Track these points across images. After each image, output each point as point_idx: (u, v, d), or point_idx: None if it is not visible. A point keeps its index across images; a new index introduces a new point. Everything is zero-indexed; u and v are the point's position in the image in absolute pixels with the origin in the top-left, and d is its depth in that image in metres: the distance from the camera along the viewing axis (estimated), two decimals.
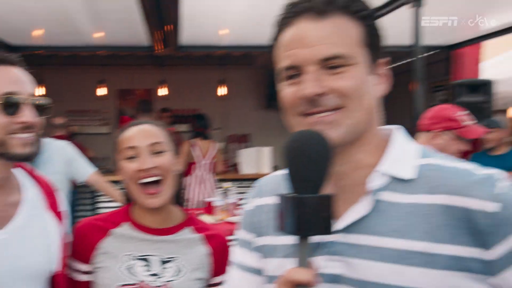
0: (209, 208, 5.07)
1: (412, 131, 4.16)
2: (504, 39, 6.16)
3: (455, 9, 4.81)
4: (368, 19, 1.06)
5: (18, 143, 1.47)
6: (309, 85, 1.01)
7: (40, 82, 8.47)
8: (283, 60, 1.07)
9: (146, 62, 8.54)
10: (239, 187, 6.90)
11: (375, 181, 1.05)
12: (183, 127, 8.36)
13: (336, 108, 1.03)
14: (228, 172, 7.72)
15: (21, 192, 1.57)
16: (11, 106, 1.47)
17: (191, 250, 1.78)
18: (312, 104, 1.03)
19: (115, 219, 1.80)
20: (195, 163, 6.44)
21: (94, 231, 1.76)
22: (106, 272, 1.70)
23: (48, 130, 5.73)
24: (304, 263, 0.93)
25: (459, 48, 6.47)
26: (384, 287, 1.01)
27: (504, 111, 6.16)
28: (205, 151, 6.48)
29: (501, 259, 0.97)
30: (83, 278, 1.73)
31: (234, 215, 4.82)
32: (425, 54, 7.05)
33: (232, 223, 4.53)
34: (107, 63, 8.48)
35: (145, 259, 1.73)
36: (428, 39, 6.14)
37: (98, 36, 5.99)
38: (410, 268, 0.99)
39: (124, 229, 1.77)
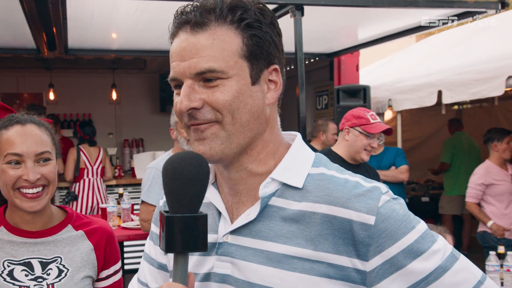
0: (103, 214, 5.02)
1: (303, 134, 4.43)
2: (377, 48, 6.71)
3: (333, 19, 5.15)
4: (251, 28, 1.04)
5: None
6: (183, 99, 1.02)
7: None
8: (171, 71, 1.08)
9: (33, 65, 8.16)
10: (133, 192, 6.89)
11: (266, 187, 1.08)
12: (70, 133, 8.12)
13: (212, 121, 1.04)
14: (123, 177, 7.64)
15: None
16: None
17: (73, 248, 1.74)
18: (191, 116, 1.04)
19: None
20: (85, 169, 6.46)
21: None
22: None
23: None
24: (179, 278, 0.95)
25: (340, 55, 6.93)
26: None
27: (379, 114, 6.69)
28: (93, 157, 6.54)
29: (376, 271, 1.00)
30: None
31: (130, 220, 4.83)
32: (311, 60, 7.52)
33: (127, 229, 4.55)
34: None
35: (25, 263, 1.67)
36: (312, 47, 6.57)
37: None
38: (291, 273, 1.02)
39: (1, 234, 1.70)
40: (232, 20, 1.03)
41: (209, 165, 1.00)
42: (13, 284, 1.64)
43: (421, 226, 1.04)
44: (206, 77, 1.03)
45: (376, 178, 3.71)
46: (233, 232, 1.10)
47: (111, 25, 5.20)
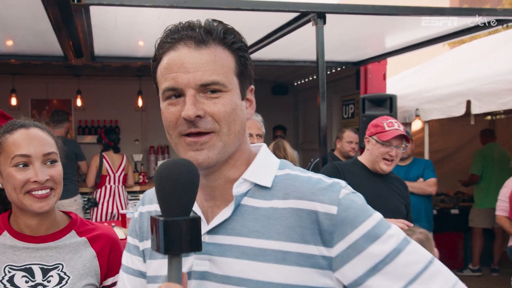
0: (122, 220, 5.03)
1: (323, 143, 4.36)
2: (408, 57, 6.57)
3: (359, 27, 5.07)
4: (240, 51, 1.18)
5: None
6: (191, 107, 1.11)
7: None
8: (164, 82, 1.16)
9: (62, 72, 8.30)
10: None
11: (239, 187, 1.18)
12: (93, 139, 8.24)
13: (210, 131, 1.14)
14: (148, 184, 7.67)
15: None
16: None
17: (75, 255, 1.72)
18: (191, 124, 1.12)
19: None
20: (107, 176, 6.51)
21: None
22: None
23: None
24: (175, 279, 1.02)
25: (366, 64, 6.81)
26: (243, 281, 1.13)
27: (406, 124, 6.55)
28: (116, 165, 6.58)
29: (340, 256, 1.11)
30: None
31: None
32: (333, 70, 7.43)
33: None
34: (19, 72, 8.19)
35: (25, 269, 1.65)
36: (338, 55, 6.48)
37: (8, 44, 5.80)
38: (265, 264, 1.12)
39: (4, 239, 1.69)
40: (226, 42, 1.17)
41: None
42: None
43: (377, 215, 1.15)
44: (210, 89, 1.13)
45: (405, 190, 3.58)
46: (209, 232, 1.19)
47: (135, 33, 5.24)
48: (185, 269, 1.17)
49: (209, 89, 1.13)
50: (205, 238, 1.18)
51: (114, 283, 1.77)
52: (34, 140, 1.67)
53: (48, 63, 7.08)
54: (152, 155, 8.97)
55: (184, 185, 1.01)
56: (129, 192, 6.98)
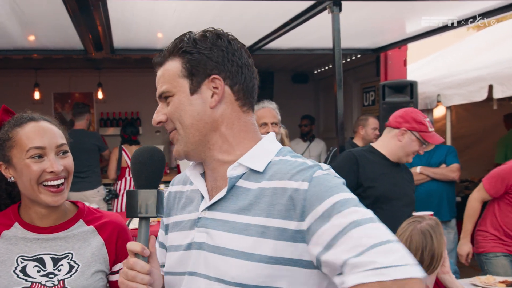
0: None
1: (341, 132, 4.35)
2: (430, 42, 6.46)
3: (377, 13, 5.00)
4: (186, 53, 1.36)
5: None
6: (154, 115, 1.41)
7: None
8: None
9: (83, 65, 8.40)
10: None
11: (233, 170, 1.34)
12: (118, 131, 8.33)
13: (172, 130, 1.40)
14: (169, 174, 7.74)
15: None
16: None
17: (84, 243, 1.77)
18: (164, 127, 1.41)
19: (5, 221, 1.76)
20: (127, 168, 6.61)
21: None
22: None
23: None
24: (143, 240, 1.32)
25: (386, 50, 6.73)
26: (229, 251, 1.28)
27: (427, 110, 6.46)
28: None
29: (310, 228, 1.20)
30: None
31: None
32: (352, 57, 7.34)
33: None
34: (42, 67, 8.31)
35: (37, 260, 1.70)
36: (357, 42, 6.42)
37: (30, 39, 5.89)
38: (249, 237, 1.26)
39: (15, 230, 1.74)
40: (174, 51, 1.38)
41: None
42: (26, 280, 1.67)
43: (348, 195, 1.21)
44: (164, 96, 1.40)
45: (413, 178, 3.61)
46: (209, 208, 1.36)
47: (153, 26, 5.26)
48: (189, 240, 1.38)
49: (163, 96, 1.39)
50: (205, 214, 1.36)
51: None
52: (46, 132, 1.72)
53: (69, 57, 7.17)
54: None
55: (144, 164, 1.32)
56: None
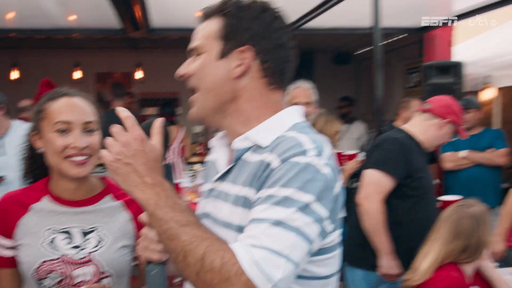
0: (177, 190, 5.10)
1: (378, 115, 4.18)
2: (475, 22, 6.14)
3: None
4: (228, 17, 1.33)
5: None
6: (180, 67, 1.40)
7: (14, 65, 8.45)
8: None
9: (122, 45, 8.43)
10: None
11: (239, 143, 1.33)
12: (153, 111, 8.38)
13: (193, 89, 1.38)
14: (205, 155, 7.73)
15: None
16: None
17: (111, 218, 1.80)
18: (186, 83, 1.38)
19: (35, 193, 1.79)
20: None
21: (15, 206, 1.75)
22: (27, 249, 1.70)
23: (17, 113, 5.69)
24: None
25: (431, 30, 6.44)
26: (225, 223, 1.29)
27: (473, 93, 6.17)
28: (173, 137, 6.65)
29: (256, 201, 1.19)
30: (7, 253, 1.73)
31: None
32: (392, 39, 7.08)
33: None
34: (83, 46, 8.39)
35: (66, 232, 1.74)
36: (400, 21, 6.17)
37: (70, 19, 5.92)
38: (232, 206, 1.28)
39: (44, 203, 1.77)
40: (217, 12, 1.36)
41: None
42: (54, 252, 1.70)
43: (304, 196, 1.14)
44: (194, 53, 1.38)
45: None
46: (218, 179, 1.37)
47: (190, 4, 5.18)
48: (202, 210, 1.42)
49: (194, 53, 1.38)
50: (215, 185, 1.38)
51: None
52: (76, 108, 1.76)
53: (109, 37, 7.20)
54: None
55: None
56: (189, 163, 7.07)
